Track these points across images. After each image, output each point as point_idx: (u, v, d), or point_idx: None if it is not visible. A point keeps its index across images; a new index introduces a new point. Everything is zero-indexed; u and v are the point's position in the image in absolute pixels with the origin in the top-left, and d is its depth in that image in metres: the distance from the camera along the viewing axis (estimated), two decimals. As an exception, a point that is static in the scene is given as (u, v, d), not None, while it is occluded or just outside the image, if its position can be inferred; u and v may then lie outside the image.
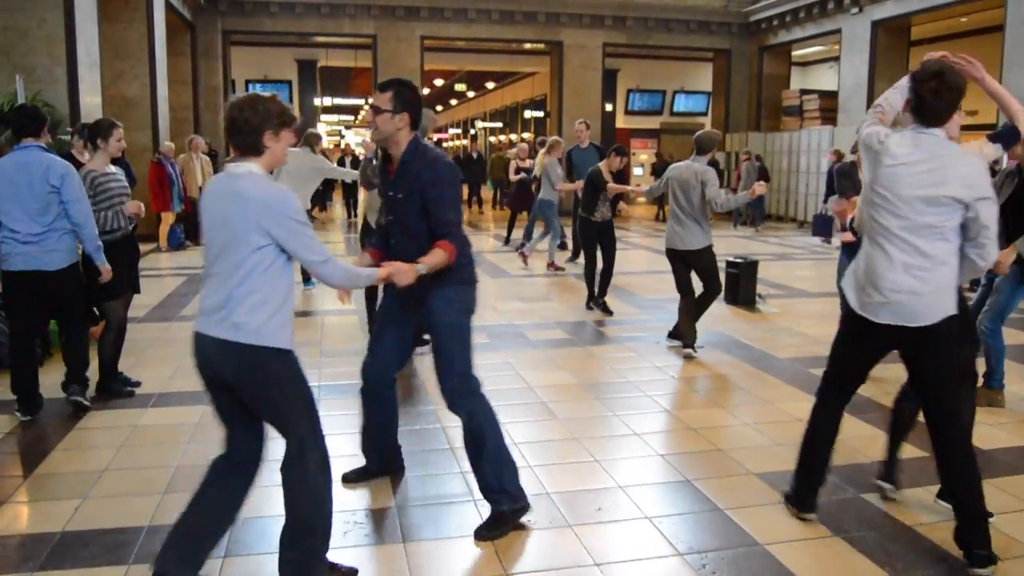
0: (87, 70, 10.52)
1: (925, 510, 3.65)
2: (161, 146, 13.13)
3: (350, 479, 3.93)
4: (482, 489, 3.53)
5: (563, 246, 11.82)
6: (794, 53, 21.42)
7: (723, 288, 7.05)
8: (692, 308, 6.58)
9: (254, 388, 2.80)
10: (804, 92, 19.94)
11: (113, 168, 5.27)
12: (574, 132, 11.12)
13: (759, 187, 6.60)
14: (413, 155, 3.46)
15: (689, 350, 6.47)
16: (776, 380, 5.76)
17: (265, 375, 2.76)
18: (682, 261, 6.56)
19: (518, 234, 13.80)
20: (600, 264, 8.19)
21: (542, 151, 11.01)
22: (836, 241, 13.72)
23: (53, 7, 9.93)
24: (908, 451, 4.35)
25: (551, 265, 10.96)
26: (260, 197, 2.67)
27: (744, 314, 8.20)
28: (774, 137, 19.16)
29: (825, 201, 15.37)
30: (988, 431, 4.66)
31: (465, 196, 24.64)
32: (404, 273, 3.20)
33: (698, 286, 6.63)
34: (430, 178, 3.41)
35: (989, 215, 3.17)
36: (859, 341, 3.43)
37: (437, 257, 3.38)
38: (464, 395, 3.60)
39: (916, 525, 3.49)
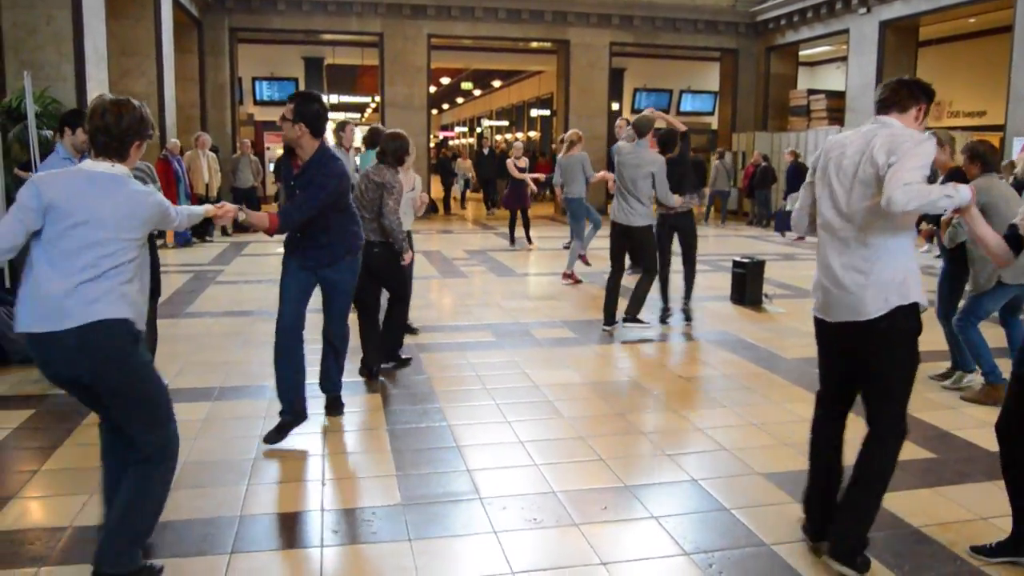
0: (95, 67, 10.55)
1: (934, 511, 3.64)
2: (168, 143, 13.16)
3: (271, 439, 4.35)
4: (327, 383, 4.87)
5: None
6: (801, 53, 21.36)
7: (656, 269, 7.30)
8: (617, 287, 7.18)
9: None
10: (811, 92, 19.89)
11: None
12: (616, 128, 11.07)
13: (677, 199, 7.23)
14: (316, 163, 4.26)
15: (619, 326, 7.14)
16: (783, 380, 5.75)
17: None
18: (623, 236, 7.04)
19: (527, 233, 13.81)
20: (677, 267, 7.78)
21: (566, 147, 10.39)
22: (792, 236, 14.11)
23: (61, 4, 9.95)
24: (913, 452, 4.35)
25: (570, 275, 10.01)
26: (153, 201, 2.90)
27: (750, 314, 8.18)
28: (781, 137, 19.11)
29: (784, 198, 15.49)
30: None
31: (468, 194, 24.61)
32: (228, 214, 3.68)
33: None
34: (318, 182, 4.23)
35: (896, 176, 2.81)
36: (822, 345, 3.30)
37: (259, 219, 4.06)
38: (345, 336, 4.78)
39: (924, 526, 3.48)
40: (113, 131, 2.82)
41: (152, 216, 2.90)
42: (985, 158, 5.17)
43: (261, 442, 4.36)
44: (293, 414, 4.45)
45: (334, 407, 4.90)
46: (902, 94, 3.17)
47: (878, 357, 3.06)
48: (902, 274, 3.01)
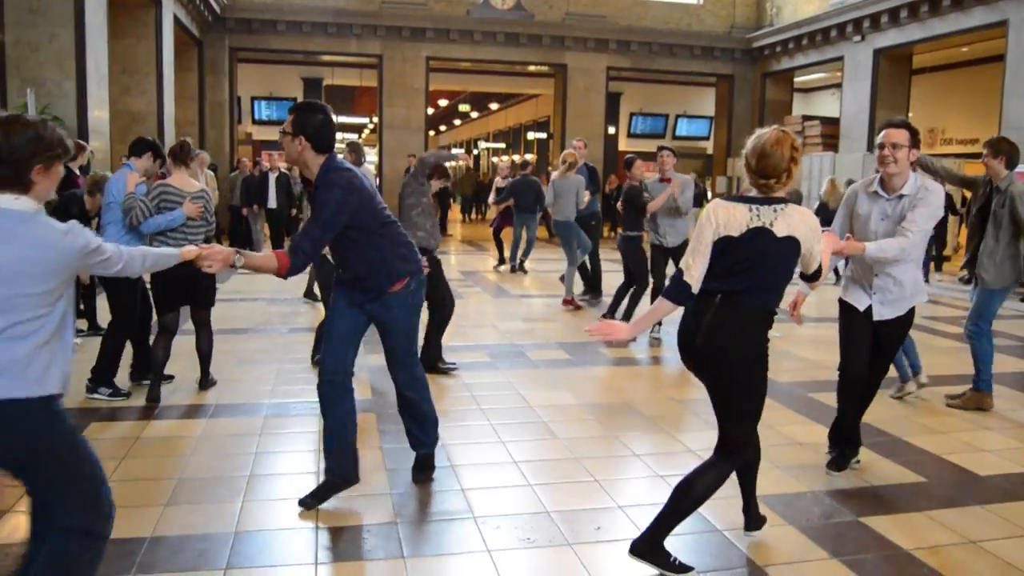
0: (96, 85, 10.63)
1: (924, 534, 3.66)
2: (166, 161, 13.20)
3: (307, 503, 3.77)
4: (411, 439, 4.17)
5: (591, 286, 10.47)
6: (796, 79, 21.58)
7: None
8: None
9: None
10: (806, 118, 20.07)
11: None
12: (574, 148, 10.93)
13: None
14: (322, 180, 3.57)
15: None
16: (776, 404, 5.77)
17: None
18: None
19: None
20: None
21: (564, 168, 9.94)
22: None
23: (64, 22, 10.05)
24: (904, 475, 4.38)
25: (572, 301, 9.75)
26: (69, 243, 2.43)
27: (744, 337, 8.21)
28: (775, 162, 19.24)
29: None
30: (987, 457, 4.69)
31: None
32: (217, 257, 3.15)
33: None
34: (319, 199, 3.56)
35: None
36: None
37: (263, 260, 3.47)
38: (416, 383, 4.10)
39: (914, 549, 3.51)
40: (3, 155, 2.34)
41: (68, 262, 2.41)
42: (1010, 154, 5.53)
43: (299, 504, 3.84)
44: (340, 476, 3.85)
45: (420, 467, 4.17)
46: None
47: None
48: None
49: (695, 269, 3.13)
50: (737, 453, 3.29)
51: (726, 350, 3.13)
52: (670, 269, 7.74)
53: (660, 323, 8.03)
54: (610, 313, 8.35)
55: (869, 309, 4.20)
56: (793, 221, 3.09)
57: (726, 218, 3.12)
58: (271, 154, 16.40)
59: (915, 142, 4.01)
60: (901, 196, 4.07)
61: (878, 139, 4.10)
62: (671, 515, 3.20)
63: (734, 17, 20.82)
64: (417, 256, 3.93)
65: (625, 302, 8.32)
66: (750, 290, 3.10)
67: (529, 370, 6.64)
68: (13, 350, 2.33)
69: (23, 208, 2.38)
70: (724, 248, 3.11)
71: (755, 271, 3.09)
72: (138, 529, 3.53)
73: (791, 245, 3.09)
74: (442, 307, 6.35)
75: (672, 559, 3.20)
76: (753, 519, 3.57)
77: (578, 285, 10.33)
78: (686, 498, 3.21)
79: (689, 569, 3.20)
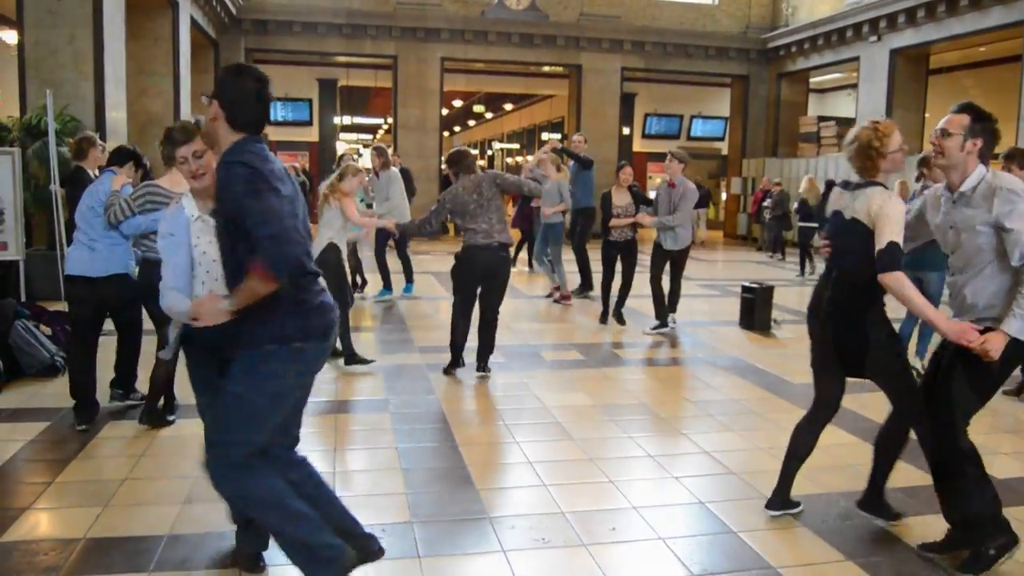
0: (113, 86, 10.70)
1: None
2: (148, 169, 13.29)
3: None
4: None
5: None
6: (812, 80, 21.48)
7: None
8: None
9: None
10: (821, 119, 19.96)
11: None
12: (575, 143, 11.07)
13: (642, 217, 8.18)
14: (221, 167, 2.64)
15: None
16: (790, 405, 5.76)
17: None
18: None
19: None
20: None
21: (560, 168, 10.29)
22: None
23: (83, 24, 10.12)
24: (920, 478, 4.35)
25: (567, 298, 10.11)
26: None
27: (759, 339, 8.20)
28: (791, 163, 19.17)
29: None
30: (1003, 460, 4.66)
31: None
32: (207, 312, 2.56)
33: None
34: (222, 183, 2.59)
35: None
36: None
37: (246, 289, 2.56)
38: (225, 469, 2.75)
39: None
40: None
41: None
42: None
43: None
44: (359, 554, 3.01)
45: None
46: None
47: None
48: None
49: None
50: (913, 397, 3.55)
51: (849, 320, 3.54)
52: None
53: (674, 321, 8.15)
54: (616, 310, 8.58)
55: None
56: (859, 205, 3.44)
57: (830, 202, 3.68)
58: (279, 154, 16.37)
59: (979, 130, 3.30)
60: (962, 195, 3.29)
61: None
62: (880, 471, 3.72)
63: (749, 17, 20.75)
64: (323, 322, 2.76)
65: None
66: (849, 264, 3.50)
67: (544, 371, 6.65)
68: None
69: None
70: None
71: (843, 248, 3.53)
72: (156, 527, 3.56)
73: (858, 226, 3.42)
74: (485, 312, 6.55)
75: (893, 511, 3.77)
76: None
77: (572, 283, 10.54)
78: (886, 452, 3.70)
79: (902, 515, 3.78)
